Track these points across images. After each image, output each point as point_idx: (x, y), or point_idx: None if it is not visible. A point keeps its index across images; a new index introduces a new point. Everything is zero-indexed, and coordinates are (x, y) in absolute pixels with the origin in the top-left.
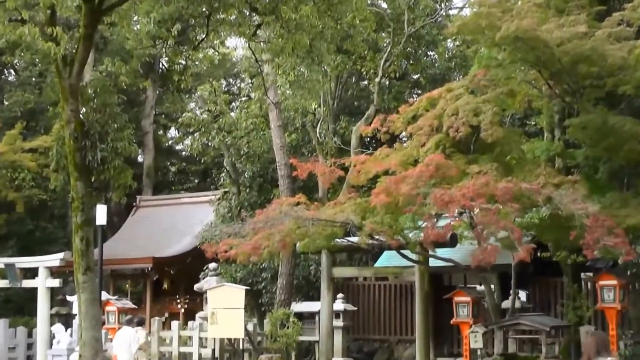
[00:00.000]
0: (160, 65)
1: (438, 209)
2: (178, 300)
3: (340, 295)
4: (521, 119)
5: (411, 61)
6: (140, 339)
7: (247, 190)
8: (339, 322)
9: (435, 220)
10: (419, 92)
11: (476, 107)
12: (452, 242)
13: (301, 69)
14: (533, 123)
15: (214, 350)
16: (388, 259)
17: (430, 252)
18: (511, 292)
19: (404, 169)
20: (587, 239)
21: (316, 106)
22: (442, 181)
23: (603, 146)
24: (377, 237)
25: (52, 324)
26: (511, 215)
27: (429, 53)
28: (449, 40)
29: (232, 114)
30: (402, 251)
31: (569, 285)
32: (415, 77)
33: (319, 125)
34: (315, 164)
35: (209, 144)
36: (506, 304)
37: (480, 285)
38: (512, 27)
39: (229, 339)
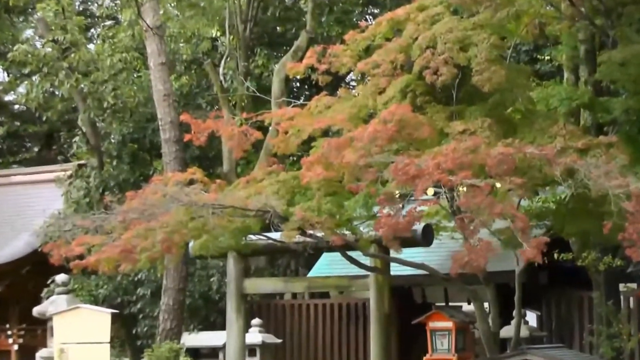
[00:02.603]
0: None
1: (401, 187)
2: (9, 332)
3: (256, 321)
4: (529, 52)
5: None
6: None
7: (114, 162)
8: None
9: (400, 205)
10: (376, 11)
11: (463, 36)
12: (426, 237)
13: None
14: (547, 58)
15: None
16: (329, 266)
17: (393, 254)
18: (514, 313)
19: (353, 126)
20: (629, 232)
21: (218, 34)
22: (409, 145)
23: None
24: (311, 231)
25: None
26: (513, 197)
27: None
28: None
29: (91, 46)
30: (350, 253)
31: (601, 302)
32: None
33: (222, 62)
34: (217, 121)
35: (56, 92)
36: (507, 331)
37: (469, 303)
38: None
39: None
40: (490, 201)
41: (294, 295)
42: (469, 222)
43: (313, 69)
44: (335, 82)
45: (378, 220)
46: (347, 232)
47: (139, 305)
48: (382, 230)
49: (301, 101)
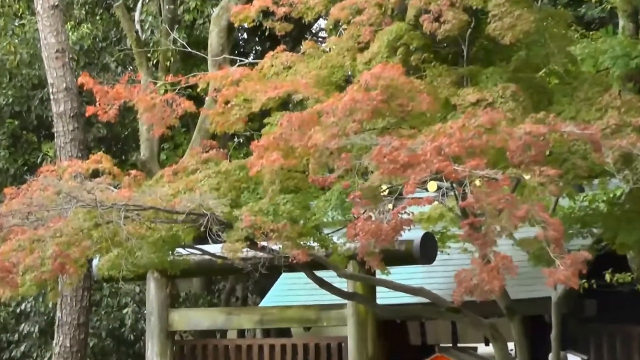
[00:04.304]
0: None
1: (388, 180)
2: None
3: None
4: None
5: None
6: None
7: None
8: None
9: (388, 205)
10: None
11: None
12: (425, 251)
13: None
14: None
15: None
16: (289, 291)
17: (379, 276)
18: (551, 357)
19: (322, 95)
20: None
21: None
22: (401, 122)
23: None
24: (264, 243)
25: None
26: (545, 194)
27: None
28: None
29: None
30: (320, 273)
31: None
32: None
33: (139, 5)
34: (132, 88)
35: None
36: None
37: (487, 344)
38: None
39: None
40: (512, 200)
41: (242, 333)
42: (483, 229)
43: (267, 13)
44: (298, 33)
45: (351, 226)
46: (315, 244)
47: (22, 348)
48: (358, 239)
49: (250, 59)
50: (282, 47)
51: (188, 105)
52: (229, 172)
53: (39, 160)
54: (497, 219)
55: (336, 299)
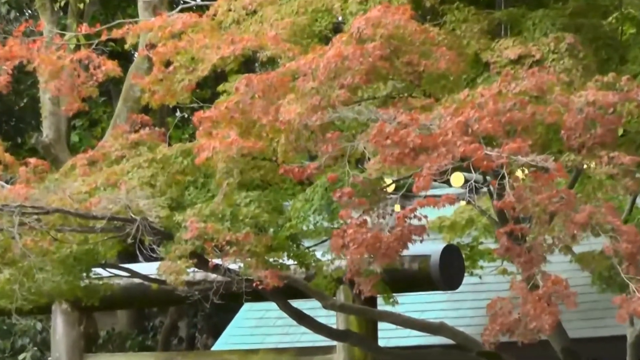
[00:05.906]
0: None
1: (393, 171)
2: None
3: None
4: None
5: None
6: None
7: None
8: None
9: (390, 207)
10: None
11: None
12: (447, 273)
13: None
14: None
15: None
16: (253, 329)
17: (382, 307)
18: None
19: (299, 50)
20: None
21: None
22: (410, 87)
23: None
24: (217, 261)
25: None
26: (617, 190)
27: None
28: None
29: None
30: (298, 304)
31: None
32: None
33: None
34: (31, 43)
35: None
36: None
37: None
38: None
39: None
40: (569, 199)
41: None
42: (527, 240)
43: None
44: None
45: (338, 234)
46: (290, 262)
47: None
48: (347, 254)
49: (198, 1)
50: None
51: (110, 67)
52: (168, 159)
53: None
54: (548, 227)
55: (322, 340)
